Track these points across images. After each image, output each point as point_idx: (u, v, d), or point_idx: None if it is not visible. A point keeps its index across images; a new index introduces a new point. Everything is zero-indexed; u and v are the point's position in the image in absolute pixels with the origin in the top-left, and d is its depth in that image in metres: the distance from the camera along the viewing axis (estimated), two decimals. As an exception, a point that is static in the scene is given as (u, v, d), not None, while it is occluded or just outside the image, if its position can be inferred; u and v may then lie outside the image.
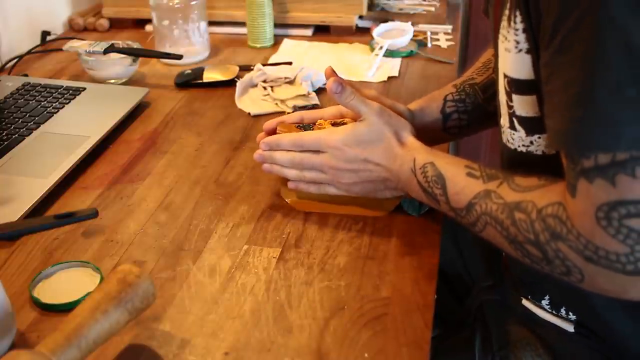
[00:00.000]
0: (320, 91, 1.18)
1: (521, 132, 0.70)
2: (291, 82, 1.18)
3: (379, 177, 0.78)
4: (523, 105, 0.68)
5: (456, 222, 0.72)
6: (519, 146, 0.71)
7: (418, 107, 0.88)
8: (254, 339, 0.65)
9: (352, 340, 0.65)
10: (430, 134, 0.86)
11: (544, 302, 0.78)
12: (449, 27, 1.48)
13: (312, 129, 0.83)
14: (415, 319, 0.67)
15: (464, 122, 0.89)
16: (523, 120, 0.69)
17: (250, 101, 1.15)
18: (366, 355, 0.63)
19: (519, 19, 0.64)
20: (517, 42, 0.65)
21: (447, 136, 0.90)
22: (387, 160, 0.77)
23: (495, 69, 0.72)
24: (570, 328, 0.77)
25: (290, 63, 1.27)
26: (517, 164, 0.72)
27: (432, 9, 1.53)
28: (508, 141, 0.72)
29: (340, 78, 0.79)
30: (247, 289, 0.72)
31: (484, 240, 0.70)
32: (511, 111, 0.70)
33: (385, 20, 1.43)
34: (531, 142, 0.70)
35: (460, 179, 0.70)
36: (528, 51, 0.65)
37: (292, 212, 0.84)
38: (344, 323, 0.67)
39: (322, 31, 1.47)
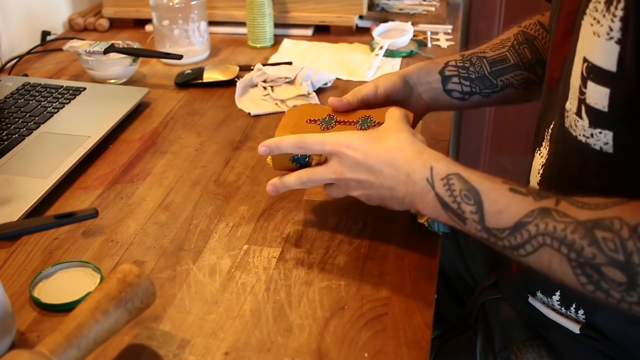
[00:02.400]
0: (320, 91, 1.18)
1: (585, 122, 0.66)
2: (291, 82, 1.18)
3: (383, 189, 0.71)
4: (595, 96, 0.64)
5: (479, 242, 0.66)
6: (579, 135, 0.67)
7: (413, 68, 0.87)
8: (254, 339, 0.65)
9: (352, 340, 0.65)
10: (431, 93, 0.85)
11: (555, 298, 0.75)
12: (449, 27, 1.48)
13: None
14: (415, 319, 0.67)
15: (466, 88, 0.87)
16: (590, 111, 0.65)
17: (250, 101, 1.15)
18: (366, 355, 0.63)
19: (621, 5, 0.59)
20: (611, 29, 0.61)
21: (451, 100, 0.87)
22: (389, 167, 0.70)
23: (572, 50, 0.67)
24: (576, 329, 0.75)
25: (290, 63, 1.27)
26: (572, 153, 0.68)
27: (432, 9, 1.53)
28: (571, 126, 0.68)
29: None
30: (247, 289, 0.72)
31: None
32: (582, 97, 0.65)
33: (385, 20, 1.43)
34: (592, 135, 0.66)
35: (501, 195, 0.63)
36: (619, 41, 0.60)
37: (292, 212, 0.84)
38: (344, 323, 0.67)
39: (322, 31, 1.47)
